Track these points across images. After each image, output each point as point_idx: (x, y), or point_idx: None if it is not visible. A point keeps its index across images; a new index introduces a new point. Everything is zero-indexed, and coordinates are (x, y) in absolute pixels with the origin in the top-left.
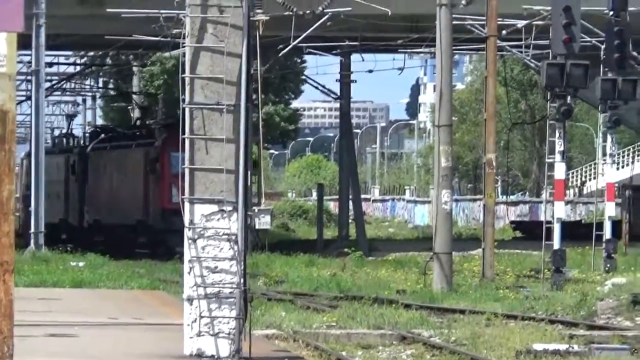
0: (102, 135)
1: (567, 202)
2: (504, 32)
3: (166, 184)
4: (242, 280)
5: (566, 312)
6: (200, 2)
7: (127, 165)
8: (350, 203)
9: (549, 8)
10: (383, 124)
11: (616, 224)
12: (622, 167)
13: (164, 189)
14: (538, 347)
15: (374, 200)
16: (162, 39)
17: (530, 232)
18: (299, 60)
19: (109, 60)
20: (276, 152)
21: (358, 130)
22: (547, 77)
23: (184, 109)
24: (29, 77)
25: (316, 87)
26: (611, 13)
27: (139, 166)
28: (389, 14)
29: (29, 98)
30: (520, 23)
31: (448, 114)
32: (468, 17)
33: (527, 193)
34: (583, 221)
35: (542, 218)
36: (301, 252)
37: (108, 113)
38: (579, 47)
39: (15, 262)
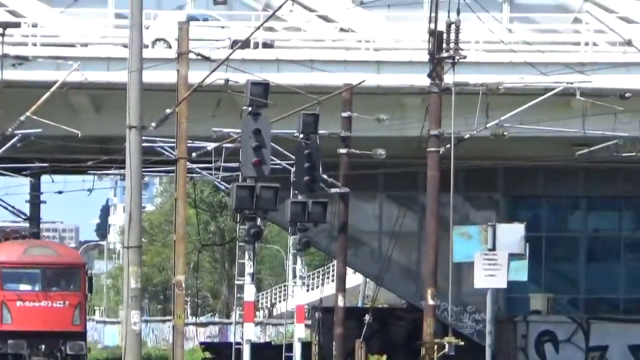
0: None
1: (256, 324)
2: (194, 154)
3: None
4: None
5: None
6: None
7: None
8: None
9: (239, 130)
10: (73, 245)
11: (306, 346)
12: (312, 289)
13: None
14: None
15: None
16: None
17: (220, 353)
18: None
19: None
20: None
21: None
22: (237, 200)
23: None
24: None
25: (6, 208)
26: (301, 136)
27: None
28: (79, 135)
29: None
30: (210, 145)
31: (137, 235)
32: (158, 139)
33: (216, 314)
34: (273, 343)
35: (231, 339)
36: None
37: None
38: (269, 170)
39: None
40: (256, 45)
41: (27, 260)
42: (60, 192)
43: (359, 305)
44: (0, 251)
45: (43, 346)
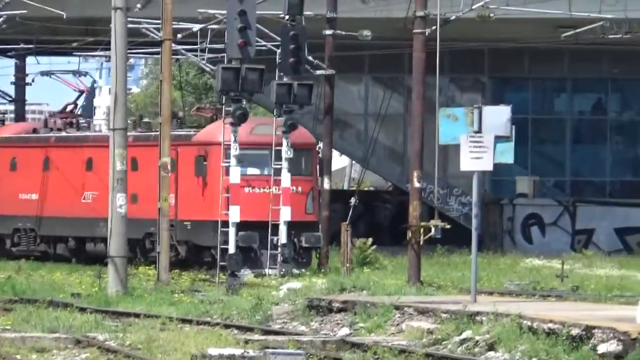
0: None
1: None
2: (179, 35)
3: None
4: None
5: (241, 316)
6: None
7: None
8: None
9: (225, 12)
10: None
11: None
12: None
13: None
14: (213, 351)
15: None
16: None
17: None
18: None
19: None
20: None
21: None
22: (222, 81)
23: None
24: None
25: None
26: (287, 17)
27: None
28: (64, 16)
29: None
30: (196, 27)
31: (123, 117)
32: (143, 20)
33: None
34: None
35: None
36: None
37: None
38: (254, 51)
39: None
40: None
41: (254, 141)
42: (45, 74)
43: (345, 187)
44: (222, 129)
45: (275, 238)
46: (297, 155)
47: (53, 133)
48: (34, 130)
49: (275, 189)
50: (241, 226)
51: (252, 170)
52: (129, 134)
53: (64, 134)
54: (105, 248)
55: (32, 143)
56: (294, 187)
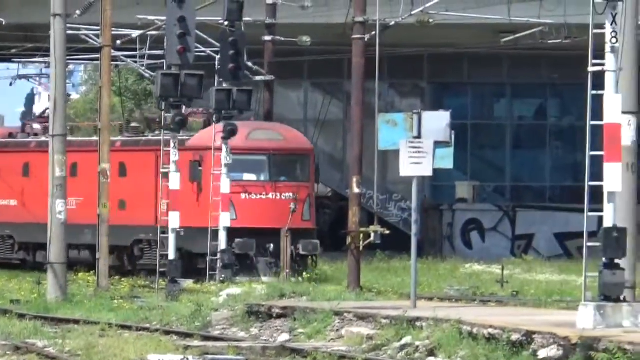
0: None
1: None
2: (118, 42)
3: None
4: None
5: (181, 322)
6: None
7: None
8: None
9: (164, 18)
10: None
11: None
12: None
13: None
14: (153, 357)
15: None
16: None
17: None
18: None
19: None
20: None
21: None
22: (161, 87)
23: None
24: None
25: None
26: (226, 23)
27: (149, 170)
28: (3, 23)
29: None
30: (135, 33)
31: (62, 123)
32: (83, 26)
33: None
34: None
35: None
36: None
37: None
38: (193, 57)
39: None
40: None
41: (252, 146)
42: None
43: None
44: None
45: (271, 245)
46: (293, 161)
47: (32, 138)
48: (10, 135)
49: (272, 194)
50: (238, 233)
51: (249, 176)
52: (116, 138)
53: (43, 138)
54: (90, 255)
55: (10, 148)
56: (291, 194)
